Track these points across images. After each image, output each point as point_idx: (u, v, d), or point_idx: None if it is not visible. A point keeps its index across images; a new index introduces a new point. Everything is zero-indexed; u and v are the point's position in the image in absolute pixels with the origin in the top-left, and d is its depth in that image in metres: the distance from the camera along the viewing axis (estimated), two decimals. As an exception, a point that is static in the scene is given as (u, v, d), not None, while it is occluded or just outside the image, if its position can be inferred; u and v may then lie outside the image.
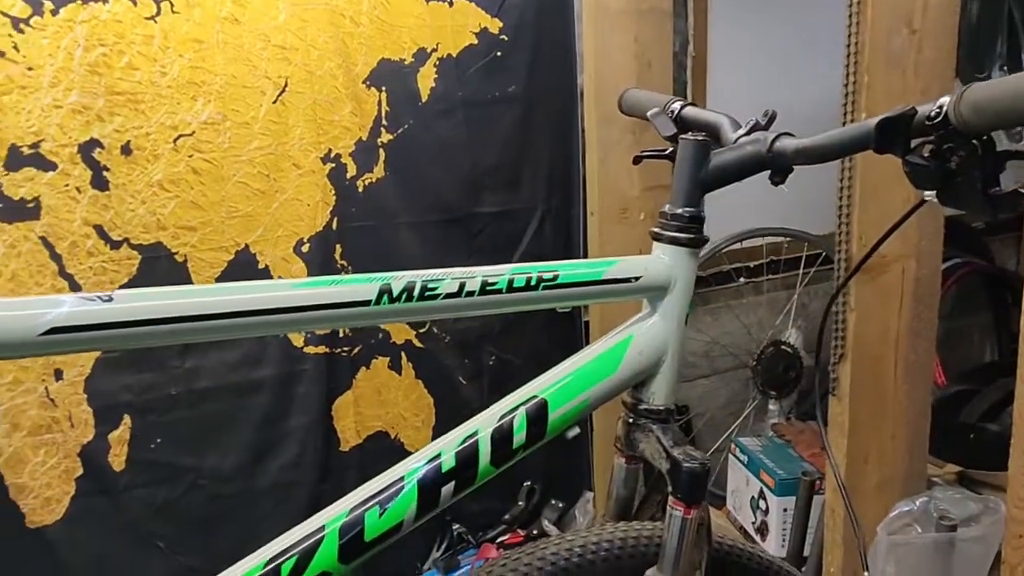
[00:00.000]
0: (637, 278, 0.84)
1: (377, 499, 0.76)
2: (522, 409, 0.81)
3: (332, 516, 0.76)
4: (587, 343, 2.18)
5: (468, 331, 2.03)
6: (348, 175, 1.84)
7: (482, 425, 0.80)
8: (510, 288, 0.78)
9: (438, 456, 0.78)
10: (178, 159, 1.67)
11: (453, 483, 0.78)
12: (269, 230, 1.77)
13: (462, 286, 0.76)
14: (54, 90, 1.54)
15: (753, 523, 1.99)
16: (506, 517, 2.07)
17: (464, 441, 0.79)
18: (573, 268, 0.81)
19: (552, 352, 2.14)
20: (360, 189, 1.85)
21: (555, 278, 0.80)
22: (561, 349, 2.16)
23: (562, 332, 2.13)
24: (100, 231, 1.62)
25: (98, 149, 1.60)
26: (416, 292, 0.74)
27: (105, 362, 1.64)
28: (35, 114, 1.54)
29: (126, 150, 1.62)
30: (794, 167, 0.80)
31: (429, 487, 0.77)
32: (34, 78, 1.53)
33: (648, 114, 1.04)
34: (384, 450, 1.96)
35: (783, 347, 2.17)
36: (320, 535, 0.75)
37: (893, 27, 1.31)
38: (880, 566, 1.36)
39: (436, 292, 0.75)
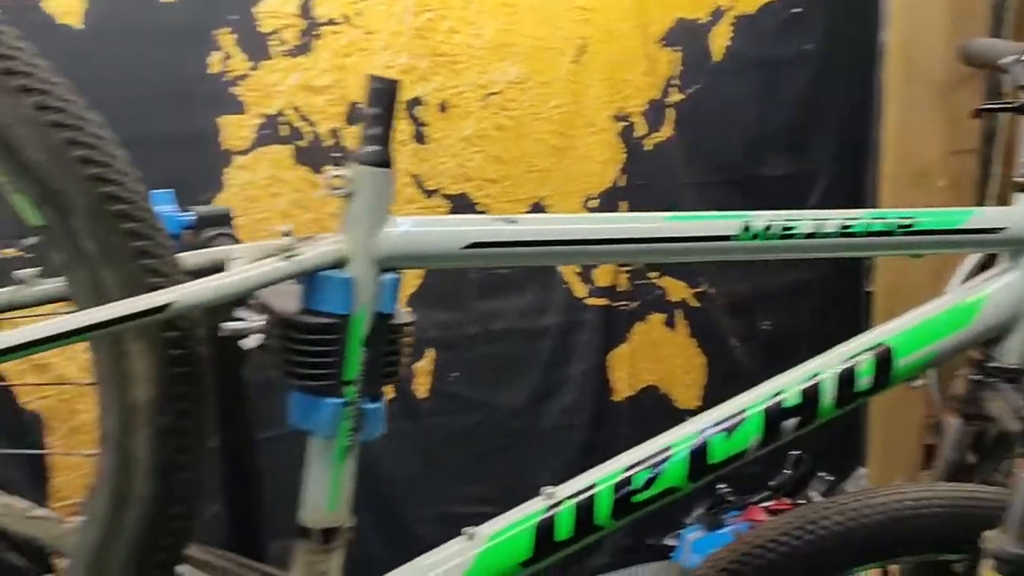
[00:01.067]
0: (1001, 229, 0.81)
1: (723, 426, 0.81)
2: (868, 354, 0.81)
3: (681, 437, 0.81)
4: (869, 315, 2.10)
5: (743, 293, 2.02)
6: (637, 134, 1.89)
7: (826, 366, 0.82)
8: (867, 232, 0.78)
9: (780, 392, 0.81)
10: (485, 116, 1.80)
11: (795, 419, 0.80)
12: (561, 185, 1.87)
13: (820, 227, 0.77)
14: (387, 53, 1.72)
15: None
16: (771, 483, 2.05)
17: (808, 379, 0.81)
18: (931, 216, 0.80)
19: (831, 322, 2.09)
20: (648, 148, 1.90)
21: (912, 224, 0.79)
22: (841, 320, 2.10)
23: (844, 302, 2.06)
24: (417, 181, 1.80)
25: (419, 106, 1.77)
26: (776, 230, 0.77)
27: (417, 299, 1.82)
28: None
29: (442, 107, 1.78)
30: None
31: (771, 420, 0.80)
32: (372, 41, 1.71)
33: (1002, 61, 0.98)
34: (654, 404, 2.01)
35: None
36: (669, 453, 0.81)
37: None
38: None
39: (794, 231, 0.77)
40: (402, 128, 1.76)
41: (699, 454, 0.80)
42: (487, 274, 1.86)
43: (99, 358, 0.67)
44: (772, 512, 1.96)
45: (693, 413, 2.11)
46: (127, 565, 0.70)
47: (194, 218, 0.92)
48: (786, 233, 0.77)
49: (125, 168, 0.65)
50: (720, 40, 1.87)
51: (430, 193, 1.80)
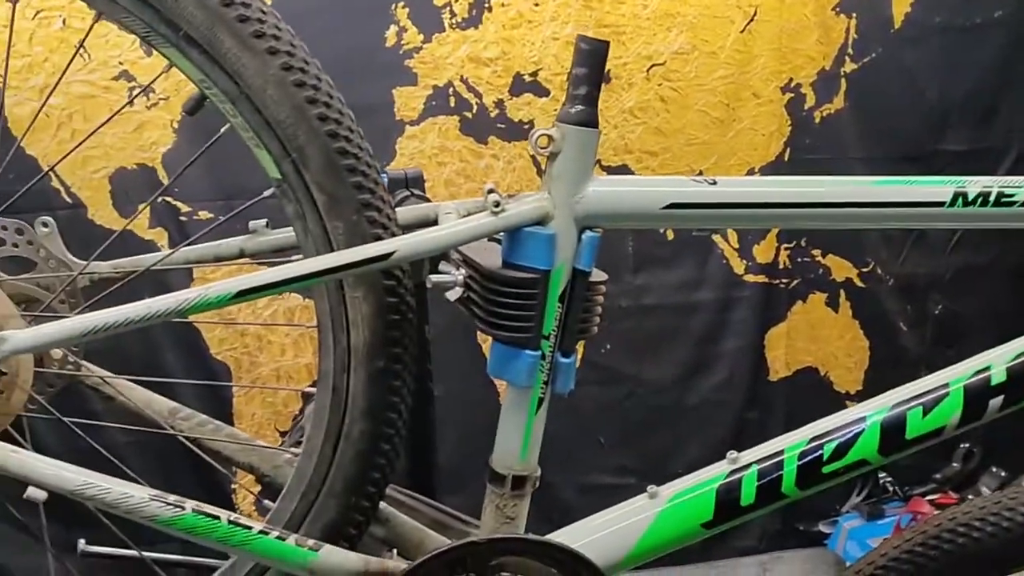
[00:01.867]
0: None
1: (920, 400, 0.78)
2: (1088, 331, 0.76)
3: (874, 409, 0.79)
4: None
5: (915, 276, 1.93)
6: (806, 105, 1.82)
7: (1039, 343, 0.77)
8: (1097, 202, 0.73)
9: (987, 368, 0.77)
10: (648, 88, 1.79)
11: (1001, 397, 0.77)
12: (723, 158, 1.83)
13: (1042, 196, 0.73)
14: (553, 24, 1.74)
15: None
16: (937, 476, 1.96)
17: (1017, 357, 0.77)
18: None
19: (1012, 309, 1.95)
20: (816, 120, 1.83)
21: None
22: (1022, 306, 1.97)
23: (1025, 287, 1.93)
24: (577, 153, 1.81)
25: (583, 78, 1.77)
26: (992, 198, 0.73)
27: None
28: (536, 45, 1.75)
29: (606, 79, 1.78)
30: None
31: (975, 397, 0.77)
32: (539, 13, 1.73)
33: None
34: (812, 386, 1.96)
35: None
36: (862, 425, 0.79)
37: None
38: None
39: (1013, 199, 0.73)
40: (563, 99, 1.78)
41: (894, 428, 0.78)
42: (642, 247, 1.85)
43: (321, 304, 0.73)
44: (938, 506, 1.87)
45: (853, 398, 2.06)
46: (339, 497, 0.76)
47: (386, 180, 0.97)
48: (1004, 201, 0.73)
49: (352, 124, 0.70)
50: (901, 5, 1.77)
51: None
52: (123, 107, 1.50)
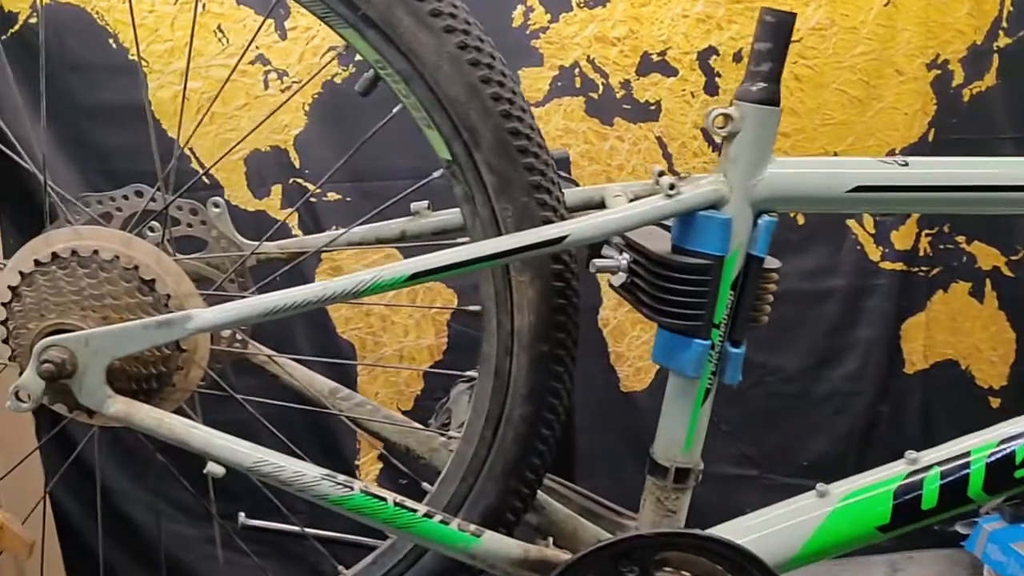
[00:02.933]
0: None
1: None
2: None
3: (1076, 410, 0.73)
4: None
5: (1070, 263, 1.80)
6: (953, 83, 1.71)
7: None
8: None
9: None
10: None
11: None
12: (860, 139, 1.74)
13: None
14: (684, 1, 1.68)
15: None
16: (1089, 479, 1.82)
17: None
18: None
19: None
20: (965, 99, 1.72)
21: None
22: None
23: None
24: (705, 134, 1.76)
25: (714, 56, 1.71)
26: None
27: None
28: (665, 24, 1.70)
29: (737, 57, 1.71)
30: None
31: None
32: (675, -11, 1.68)
33: None
34: (952, 380, 1.85)
35: None
36: (1060, 426, 0.73)
37: None
38: None
39: None
40: (693, 79, 1.72)
41: (1099, 429, 0.72)
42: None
43: (486, 287, 0.72)
44: (1092, 511, 1.74)
45: (997, 394, 1.93)
46: (498, 482, 0.75)
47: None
48: None
49: (524, 104, 0.68)
50: (1063, -25, 1.64)
51: (717, 147, 1.75)
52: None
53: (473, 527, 0.72)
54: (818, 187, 0.69)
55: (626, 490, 0.85)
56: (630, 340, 1.85)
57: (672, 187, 0.67)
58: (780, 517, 0.78)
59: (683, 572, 0.74)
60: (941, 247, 1.80)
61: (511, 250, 0.65)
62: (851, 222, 1.79)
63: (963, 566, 1.91)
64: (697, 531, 0.71)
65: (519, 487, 0.75)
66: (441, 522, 0.71)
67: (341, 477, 0.69)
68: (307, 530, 0.87)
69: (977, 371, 1.85)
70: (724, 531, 0.77)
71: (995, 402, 1.86)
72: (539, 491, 0.83)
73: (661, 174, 0.69)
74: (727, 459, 1.89)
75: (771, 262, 0.72)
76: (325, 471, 0.69)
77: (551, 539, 0.80)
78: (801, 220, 1.79)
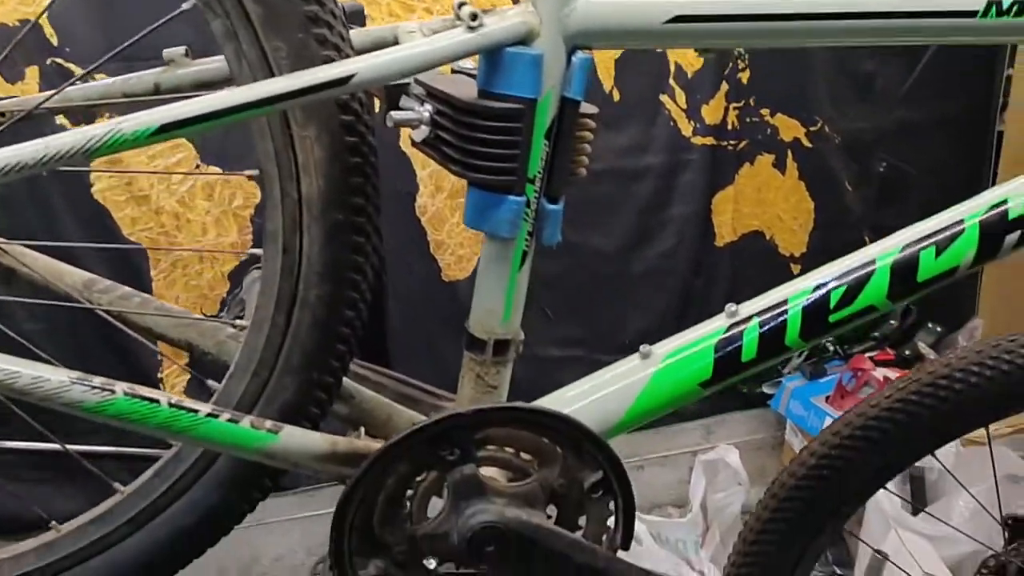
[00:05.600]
0: None
1: (934, 239, 0.72)
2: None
3: (883, 251, 0.73)
4: (998, 160, 1.94)
5: (861, 132, 1.89)
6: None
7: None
8: None
9: (1004, 203, 0.71)
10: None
11: (1018, 233, 0.71)
12: None
13: (1079, 2, 0.65)
14: None
15: None
16: (875, 334, 1.99)
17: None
18: None
19: (952, 166, 1.94)
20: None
21: None
22: (964, 163, 1.96)
23: (970, 143, 1.91)
24: None
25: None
26: (1027, 7, 0.65)
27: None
28: None
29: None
30: None
31: (992, 234, 0.71)
32: None
33: None
34: (758, 251, 1.93)
35: None
36: (871, 269, 0.72)
37: None
38: None
39: (1050, 8, 0.65)
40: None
41: (906, 270, 0.72)
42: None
43: (264, 146, 0.60)
44: (877, 362, 1.90)
45: (798, 261, 2.03)
46: (297, 373, 0.66)
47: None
48: (1038, 10, 0.65)
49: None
50: None
51: None
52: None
53: (269, 424, 0.63)
54: (634, 17, 0.62)
55: (452, 382, 0.79)
56: (450, 228, 1.78)
57: (474, 18, 0.58)
58: (604, 383, 0.74)
59: (507, 449, 0.70)
60: (748, 120, 1.83)
61: (285, 93, 0.54)
62: (664, 97, 1.78)
63: (770, 423, 2.05)
64: (516, 403, 0.66)
65: (322, 377, 0.66)
66: (229, 421, 0.61)
67: (98, 380, 0.57)
68: (69, 446, 0.75)
69: (780, 240, 1.94)
70: (547, 403, 0.72)
71: (796, 268, 1.95)
72: (347, 379, 0.75)
73: (461, 5, 0.60)
74: (552, 342, 1.89)
75: (587, 107, 0.66)
76: (78, 374, 0.57)
77: (363, 429, 0.73)
78: (617, 96, 1.76)
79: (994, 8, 0.65)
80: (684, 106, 1.79)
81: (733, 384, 0.75)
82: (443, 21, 0.63)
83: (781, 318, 0.73)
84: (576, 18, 0.61)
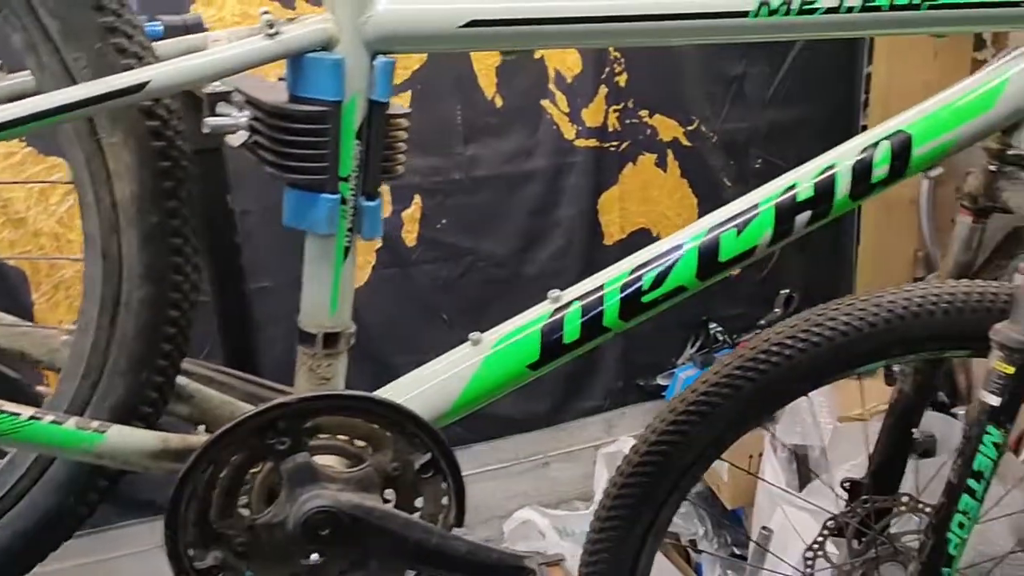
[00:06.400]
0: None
1: (733, 222, 0.78)
2: (885, 143, 0.78)
3: (691, 235, 0.79)
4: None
5: (735, 132, 1.98)
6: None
7: (841, 157, 0.78)
8: (892, 6, 0.73)
9: (794, 186, 0.78)
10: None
11: (808, 213, 0.78)
12: None
13: (842, 1, 0.72)
14: None
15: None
16: (761, 322, 2.07)
17: (822, 172, 0.78)
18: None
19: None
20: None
21: (943, -3, 0.74)
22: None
23: (838, 139, 2.01)
24: None
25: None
26: (795, 6, 0.71)
27: (400, 143, 1.76)
28: None
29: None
30: None
31: (785, 215, 0.78)
32: None
33: None
34: (646, 247, 1.99)
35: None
36: (679, 252, 0.78)
37: None
38: None
39: (815, 6, 0.72)
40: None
41: (709, 252, 0.78)
42: (471, 117, 1.79)
43: (74, 154, 0.63)
44: (762, 349, 1.98)
45: (684, 255, 2.07)
46: (126, 375, 0.68)
47: (161, 28, 0.85)
48: (807, 8, 0.72)
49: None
50: None
51: None
52: None
53: (96, 424, 0.65)
54: (431, 22, 0.66)
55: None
56: (341, 237, 1.80)
57: (271, 26, 0.62)
58: (439, 371, 0.78)
59: (340, 437, 0.73)
60: (628, 122, 1.90)
61: (81, 101, 0.56)
62: (546, 102, 1.84)
63: (667, 414, 2.12)
64: (339, 391, 0.69)
65: (151, 377, 0.68)
66: (53, 423, 0.63)
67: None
68: None
69: (666, 236, 2.00)
70: (387, 391, 0.76)
71: (683, 263, 2.03)
72: (191, 380, 0.77)
73: (264, 13, 0.63)
74: (446, 346, 1.91)
75: (397, 108, 0.70)
76: None
77: (203, 427, 0.75)
78: (500, 102, 1.81)
79: (764, 8, 0.71)
80: (566, 110, 1.85)
81: (560, 365, 0.79)
82: (251, 30, 0.66)
83: (600, 302, 0.78)
84: (374, 25, 0.65)
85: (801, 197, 0.78)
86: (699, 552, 1.95)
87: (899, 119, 0.79)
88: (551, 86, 1.83)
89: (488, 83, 1.79)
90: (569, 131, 1.87)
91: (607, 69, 1.85)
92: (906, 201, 1.95)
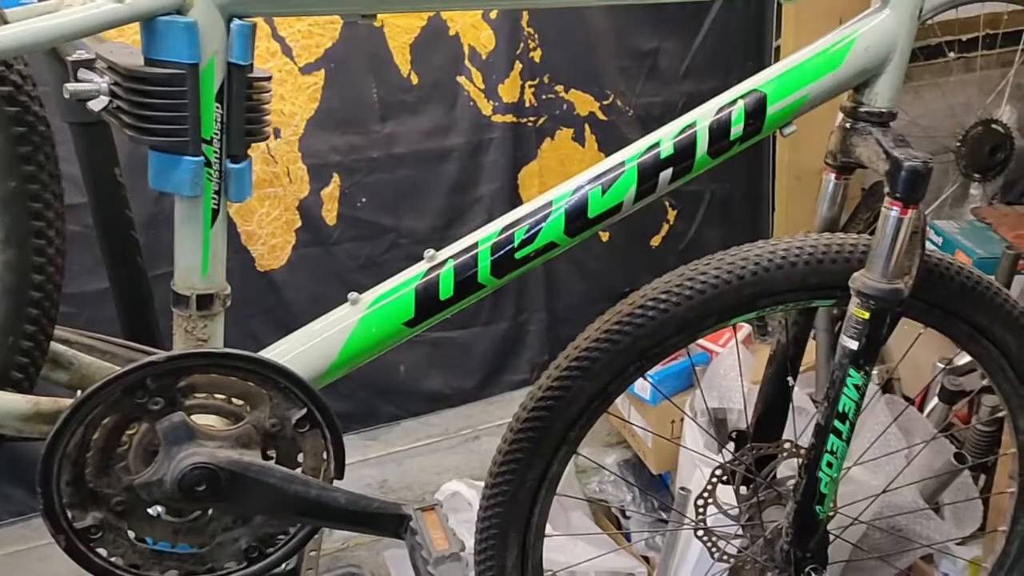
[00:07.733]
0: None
1: (600, 180, 0.81)
2: (741, 102, 0.82)
3: (559, 194, 0.82)
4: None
5: (651, 106, 2.02)
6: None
7: (700, 117, 0.82)
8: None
9: (657, 145, 0.81)
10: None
11: (671, 170, 0.81)
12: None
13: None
14: None
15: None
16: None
17: (682, 131, 0.81)
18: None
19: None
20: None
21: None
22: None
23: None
24: None
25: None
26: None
27: (315, 123, 1.76)
28: None
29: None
30: None
31: (648, 172, 0.81)
32: None
33: None
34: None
35: (993, 126, 2.01)
36: (548, 210, 0.81)
37: None
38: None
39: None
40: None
41: (577, 209, 0.81)
42: (387, 94, 1.80)
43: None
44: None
45: (606, 228, 2.13)
46: (-7, 340, 0.68)
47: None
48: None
49: None
50: None
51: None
52: None
53: (-42, 389, 0.66)
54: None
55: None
56: (260, 218, 1.80)
57: (121, -11, 0.63)
58: (317, 332, 0.80)
59: (217, 396, 0.74)
60: (543, 97, 1.92)
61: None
62: (461, 79, 1.86)
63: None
64: (212, 348, 0.71)
65: (19, 342, 0.69)
66: (-90, 389, 0.63)
67: None
68: None
69: (587, 210, 2.04)
70: (268, 352, 0.77)
71: (604, 236, 2.07)
72: (70, 347, 0.77)
73: (117, -23, 0.64)
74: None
75: (259, 71, 0.71)
76: None
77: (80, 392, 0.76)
78: (416, 80, 1.82)
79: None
80: (482, 86, 1.87)
81: (437, 322, 0.82)
82: (108, -4, 0.67)
83: (472, 259, 0.81)
84: (228, -13, 0.66)
85: (664, 155, 0.81)
86: (628, 518, 2.00)
87: (754, 79, 0.83)
88: (467, 63, 1.85)
89: (403, 60, 1.80)
90: (486, 107, 1.89)
91: (521, 45, 1.87)
92: (815, 170, 2.01)
